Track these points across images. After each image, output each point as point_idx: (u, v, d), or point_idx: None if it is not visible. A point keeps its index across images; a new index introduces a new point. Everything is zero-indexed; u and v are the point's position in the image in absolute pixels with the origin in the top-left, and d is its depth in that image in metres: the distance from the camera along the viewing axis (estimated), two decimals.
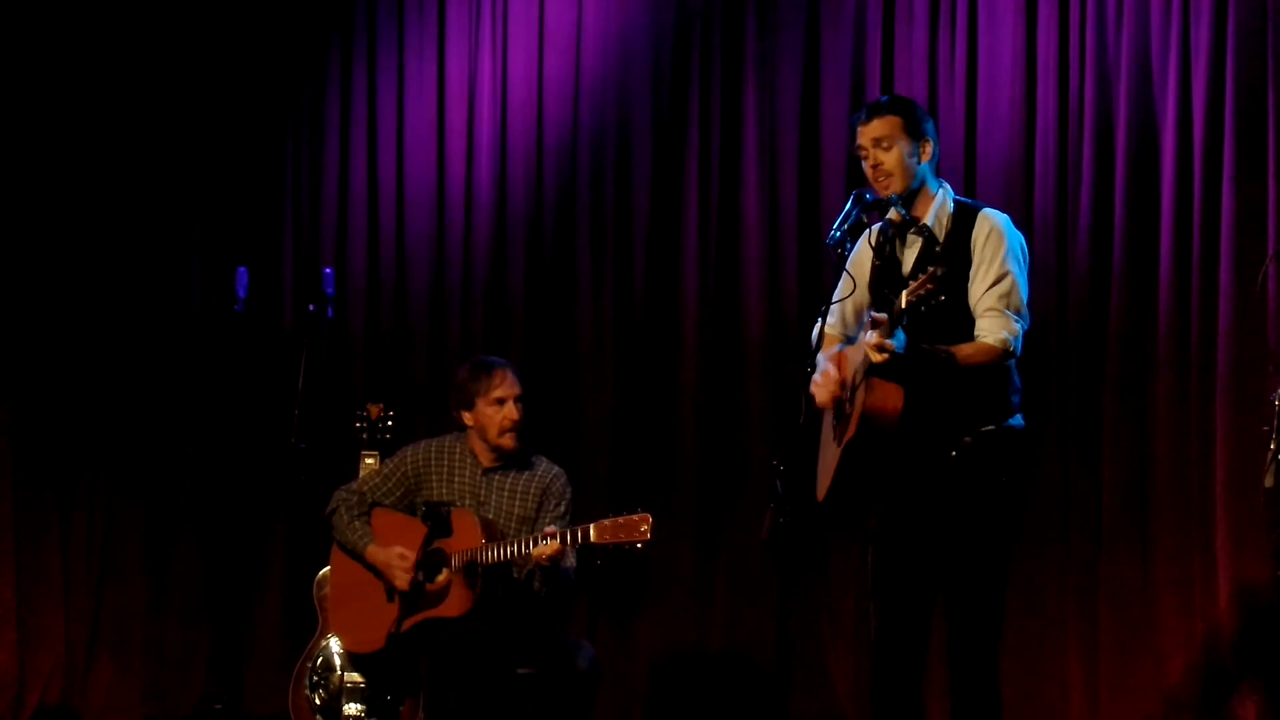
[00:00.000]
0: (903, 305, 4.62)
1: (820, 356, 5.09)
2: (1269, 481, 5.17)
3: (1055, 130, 6.58)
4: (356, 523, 6.09)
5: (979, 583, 4.95)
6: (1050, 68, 6.59)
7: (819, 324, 5.11)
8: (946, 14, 6.75)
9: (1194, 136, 6.34)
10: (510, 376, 6.11)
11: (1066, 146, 6.57)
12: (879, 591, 5.04)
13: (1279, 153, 6.20)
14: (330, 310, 7.05)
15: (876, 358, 4.67)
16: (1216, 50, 6.30)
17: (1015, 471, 4.98)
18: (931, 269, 4.63)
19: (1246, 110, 6.25)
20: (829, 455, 5.05)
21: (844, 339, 5.20)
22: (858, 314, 5.15)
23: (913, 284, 4.64)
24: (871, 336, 4.68)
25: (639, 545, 5.64)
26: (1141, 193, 6.45)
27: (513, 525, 6.04)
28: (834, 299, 5.14)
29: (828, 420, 5.08)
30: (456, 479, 6.11)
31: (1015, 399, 4.99)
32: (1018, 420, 5.00)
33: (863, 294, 5.12)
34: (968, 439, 4.90)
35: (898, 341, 4.67)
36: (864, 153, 5.04)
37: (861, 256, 5.16)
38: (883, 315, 4.69)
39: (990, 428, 4.92)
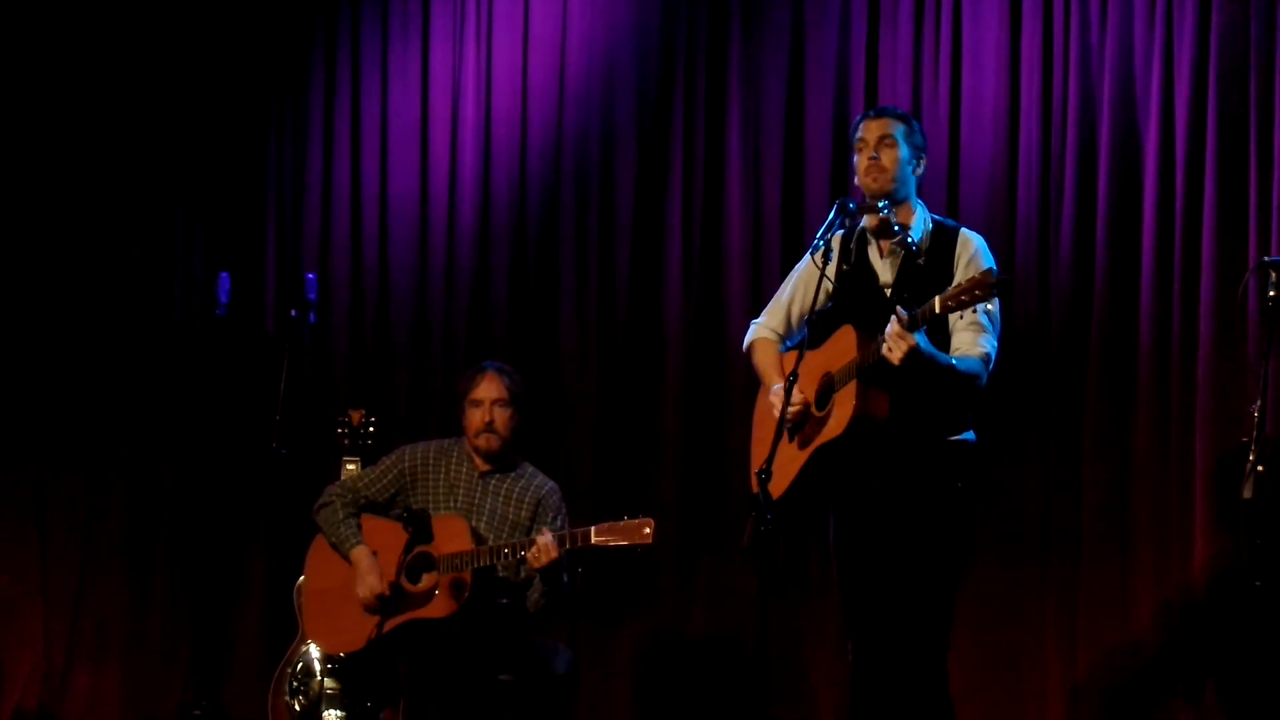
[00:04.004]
0: (935, 309, 4.73)
1: (768, 367, 5.28)
2: (1247, 493, 5.19)
3: (1038, 137, 6.58)
4: (351, 520, 6.09)
5: (930, 587, 5.01)
6: (1034, 76, 6.59)
7: (753, 328, 5.37)
8: (931, 19, 6.75)
9: (1176, 145, 6.35)
10: (490, 380, 6.11)
11: (1049, 153, 6.58)
12: (848, 605, 5.16)
13: (1260, 163, 6.22)
14: (313, 316, 7.05)
15: (899, 350, 4.73)
16: (1199, 56, 6.31)
17: (970, 480, 5.09)
18: (980, 277, 4.70)
19: (1228, 119, 6.26)
20: (785, 455, 5.06)
21: (781, 342, 5.37)
22: (800, 319, 5.30)
23: (951, 289, 4.74)
24: (893, 327, 4.76)
25: (639, 549, 5.65)
26: (1124, 200, 6.46)
27: (505, 530, 6.04)
28: (799, 307, 5.32)
29: (773, 419, 5.07)
30: (453, 481, 6.11)
31: (970, 414, 5.12)
32: (970, 434, 5.12)
33: (806, 302, 5.21)
34: (928, 445, 5.02)
35: (920, 338, 4.77)
36: (863, 145, 5.14)
37: (808, 269, 5.21)
38: (905, 314, 4.78)
39: (949, 438, 5.06)
